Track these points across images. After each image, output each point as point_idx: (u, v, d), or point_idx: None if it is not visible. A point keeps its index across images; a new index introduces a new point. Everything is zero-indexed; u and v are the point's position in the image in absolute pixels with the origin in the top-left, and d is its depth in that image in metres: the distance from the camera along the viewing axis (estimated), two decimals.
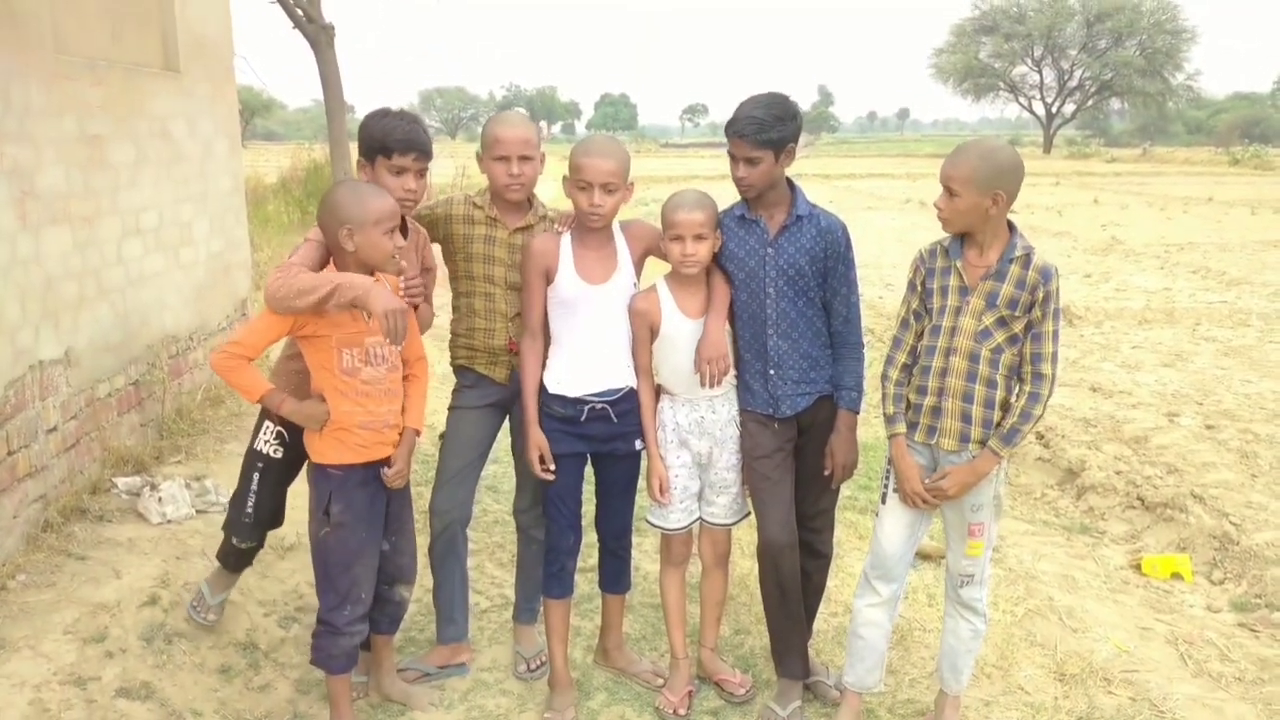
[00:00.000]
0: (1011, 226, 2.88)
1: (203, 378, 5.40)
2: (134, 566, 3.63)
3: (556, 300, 3.16)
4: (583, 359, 3.18)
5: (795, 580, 3.30)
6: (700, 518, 3.39)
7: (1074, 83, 62.75)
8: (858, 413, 3.22)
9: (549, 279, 3.15)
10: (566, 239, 3.18)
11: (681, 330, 3.18)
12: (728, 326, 3.21)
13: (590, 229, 3.13)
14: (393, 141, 3.02)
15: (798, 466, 3.31)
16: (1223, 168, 40.59)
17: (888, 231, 17.43)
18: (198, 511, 4.13)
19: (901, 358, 3.05)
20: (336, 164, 13.01)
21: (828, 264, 3.14)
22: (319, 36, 12.27)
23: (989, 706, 3.44)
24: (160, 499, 4.04)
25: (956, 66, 63.21)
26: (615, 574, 3.48)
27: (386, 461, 2.99)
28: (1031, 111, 65.21)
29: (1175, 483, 5.48)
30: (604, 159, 3.07)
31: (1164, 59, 59.02)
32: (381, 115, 3.10)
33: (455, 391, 3.51)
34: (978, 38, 63.50)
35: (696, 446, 3.29)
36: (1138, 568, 4.74)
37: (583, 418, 3.18)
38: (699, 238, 3.08)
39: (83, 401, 4.15)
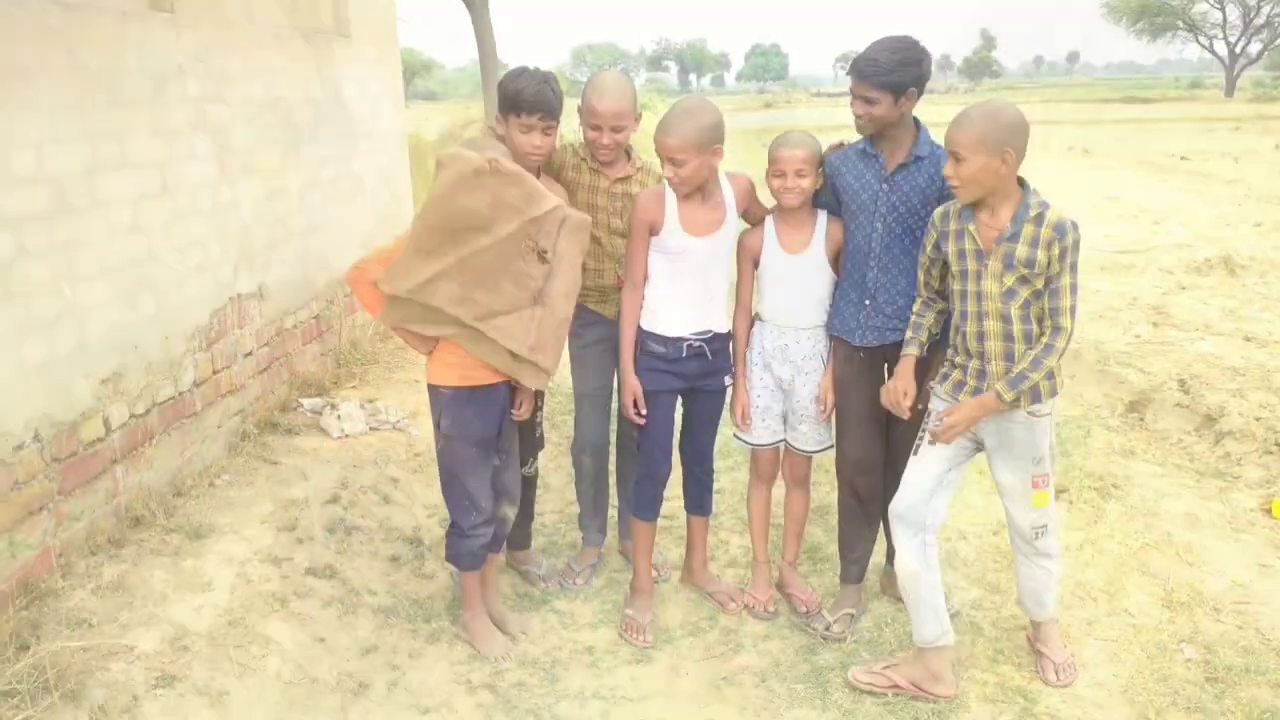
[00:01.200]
0: (1023, 184, 2.93)
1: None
2: (318, 472, 4.18)
3: (662, 251, 3.37)
4: (684, 302, 3.42)
5: (871, 496, 3.56)
6: (784, 440, 3.67)
7: (1260, 19, 57.97)
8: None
9: (654, 232, 3.36)
10: (670, 193, 3.34)
11: (780, 264, 3.47)
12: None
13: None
14: (522, 101, 3.25)
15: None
16: None
17: (1043, 183, 16.88)
18: (371, 429, 4.67)
19: (924, 292, 3.23)
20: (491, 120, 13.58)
21: (942, 203, 3.21)
22: None
23: (1091, 625, 3.60)
24: (339, 416, 4.59)
25: (1130, 5, 59.45)
26: (699, 497, 3.79)
27: (494, 387, 3.29)
28: (1213, 52, 60.76)
29: None
30: (613, 100, 3.44)
31: None
32: (516, 75, 3.33)
33: (571, 333, 3.73)
34: None
35: (779, 371, 3.55)
36: (1268, 511, 4.73)
37: (681, 355, 3.45)
38: (799, 174, 3.31)
39: (273, 331, 4.73)
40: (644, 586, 3.68)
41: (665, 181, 3.34)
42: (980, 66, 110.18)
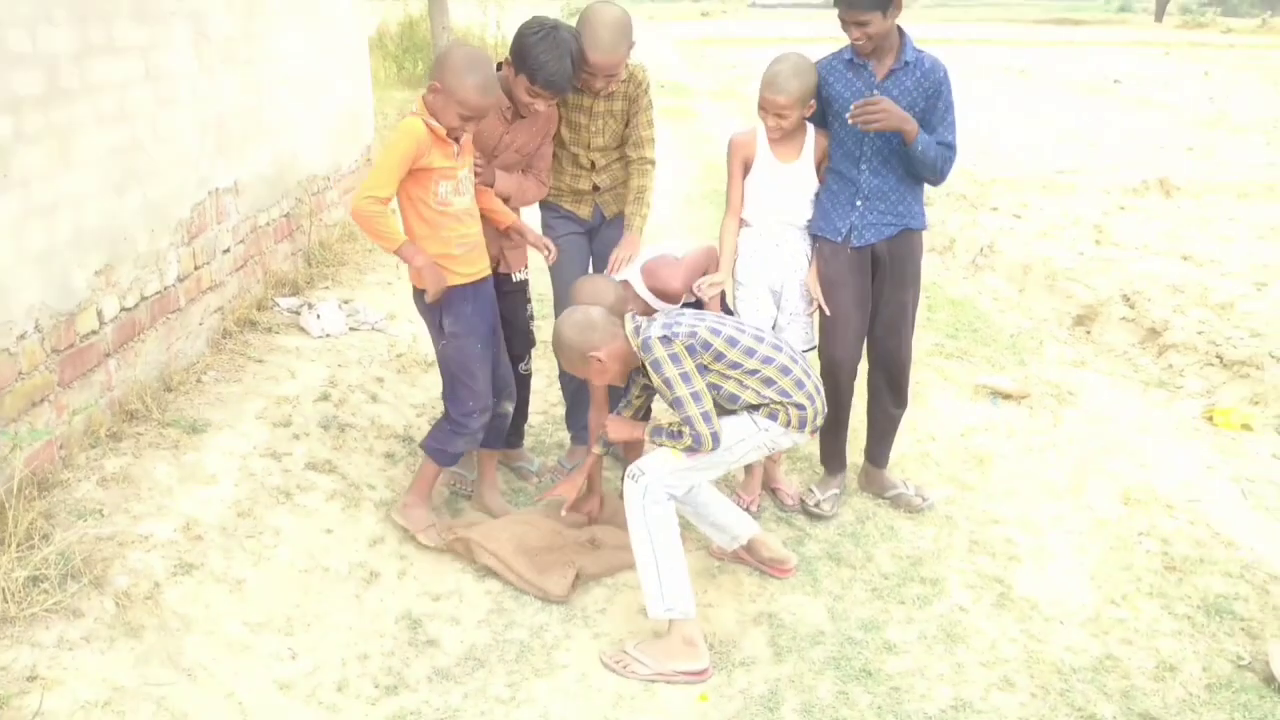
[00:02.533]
0: None
1: (338, 215, 5.89)
2: (305, 370, 4.18)
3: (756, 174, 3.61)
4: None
5: (847, 394, 3.79)
6: None
7: None
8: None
9: (746, 169, 3.59)
10: (760, 130, 3.57)
11: (772, 171, 3.58)
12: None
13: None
14: (539, 77, 3.23)
15: (875, 301, 3.66)
16: None
17: (981, 103, 17.05)
18: (350, 329, 4.65)
19: None
20: (435, 20, 13.21)
21: (929, 102, 3.42)
22: None
23: (1057, 520, 3.83)
24: (319, 316, 4.56)
25: None
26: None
27: (485, 280, 3.36)
28: None
29: (1255, 344, 5.67)
30: (608, 51, 3.42)
31: None
32: (540, 37, 3.23)
33: (544, 225, 3.88)
34: None
35: (770, 278, 3.67)
36: (1209, 419, 5.02)
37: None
38: (780, 115, 3.44)
39: (248, 228, 4.64)
40: None
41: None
42: None
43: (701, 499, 3.28)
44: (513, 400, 3.65)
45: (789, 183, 3.60)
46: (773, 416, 3.05)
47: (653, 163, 3.78)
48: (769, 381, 3.02)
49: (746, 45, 24.69)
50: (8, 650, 2.36)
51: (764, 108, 3.47)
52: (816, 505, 3.80)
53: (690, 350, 2.94)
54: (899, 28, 3.42)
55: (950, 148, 3.48)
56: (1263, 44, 36.44)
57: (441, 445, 3.44)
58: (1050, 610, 3.29)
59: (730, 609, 3.29)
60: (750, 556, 3.45)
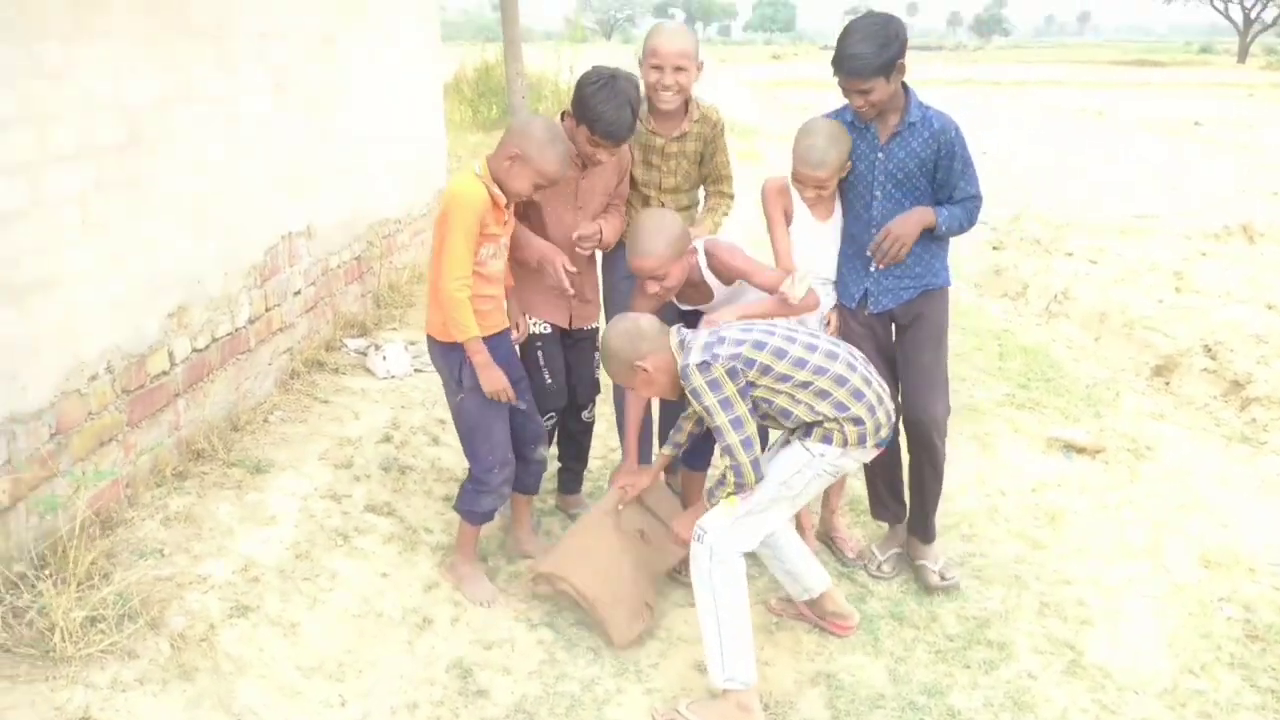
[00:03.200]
0: None
1: (408, 257, 5.99)
2: (369, 411, 4.23)
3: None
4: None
5: (891, 446, 3.53)
6: None
7: None
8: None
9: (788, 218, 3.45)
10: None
11: (809, 230, 3.46)
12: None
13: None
14: (599, 126, 3.21)
15: (901, 365, 3.50)
16: None
17: (1057, 146, 16.78)
18: (415, 370, 4.70)
19: None
20: (510, 64, 13.43)
21: (940, 163, 3.28)
22: None
23: (1132, 582, 3.68)
24: (385, 357, 4.63)
25: None
26: (698, 449, 3.59)
27: (505, 332, 3.35)
28: (1227, 16, 60.11)
29: None
30: (675, 39, 3.48)
31: None
32: (599, 87, 3.21)
33: (604, 265, 3.84)
34: None
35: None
36: None
37: None
38: (820, 187, 3.35)
39: (319, 271, 4.74)
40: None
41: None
42: (990, 24, 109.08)
43: (780, 542, 3.20)
44: (545, 447, 3.59)
45: (827, 242, 3.51)
46: (827, 439, 2.90)
47: (731, 197, 3.83)
48: (822, 394, 2.87)
49: (818, 88, 24.70)
50: (63, 690, 2.40)
51: (801, 181, 3.37)
52: (878, 568, 3.69)
53: (732, 373, 2.81)
54: (904, 85, 3.28)
55: (975, 198, 3.37)
56: None
57: (470, 506, 3.38)
58: (1124, 679, 3.15)
59: (788, 667, 3.21)
60: (812, 611, 3.36)
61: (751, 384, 2.87)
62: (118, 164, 3.14)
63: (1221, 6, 60.18)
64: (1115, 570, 3.75)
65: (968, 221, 3.37)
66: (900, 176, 3.31)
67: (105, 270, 3.11)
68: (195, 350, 3.64)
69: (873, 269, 3.42)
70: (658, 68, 3.46)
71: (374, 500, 3.66)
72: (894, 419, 3.05)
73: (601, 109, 3.19)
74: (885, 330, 3.54)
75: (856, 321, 3.51)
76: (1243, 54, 56.31)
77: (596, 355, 3.74)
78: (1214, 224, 9.97)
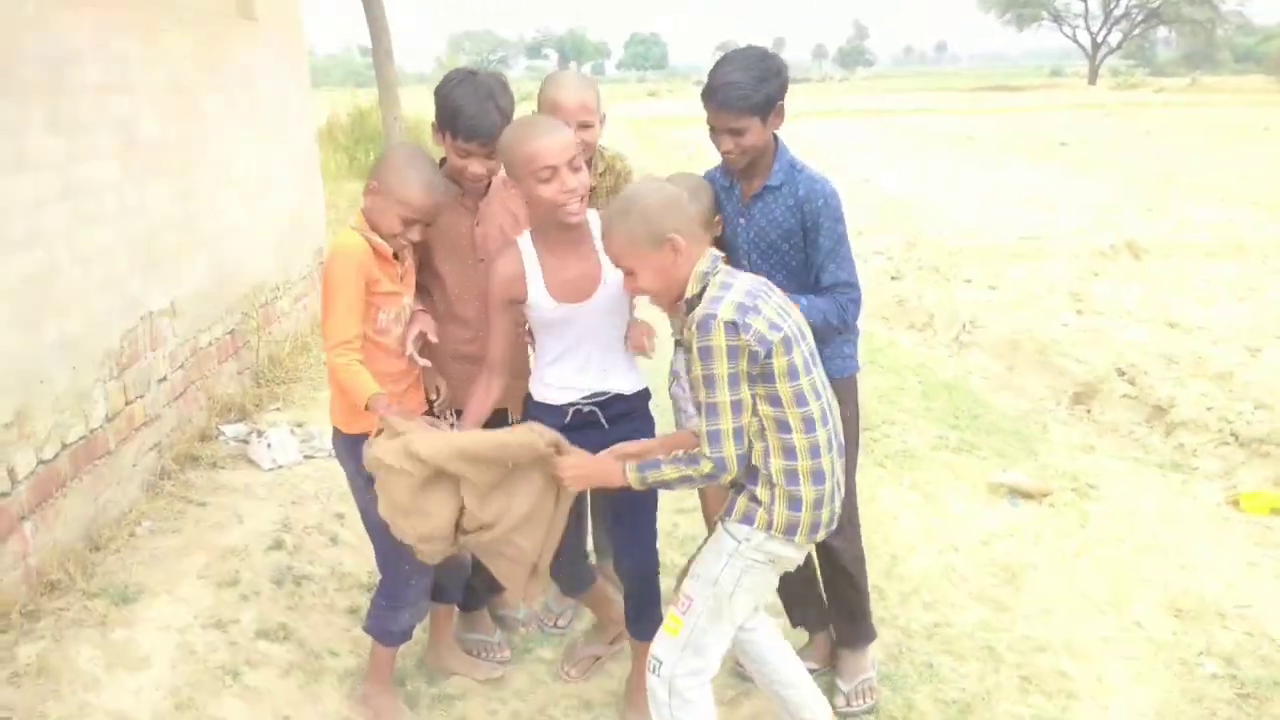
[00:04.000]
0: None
1: (290, 326, 5.46)
2: (254, 511, 3.71)
3: (534, 319, 2.73)
4: (569, 364, 2.74)
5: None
6: None
7: (1120, 10, 61.02)
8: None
9: (519, 301, 2.67)
10: (528, 245, 2.66)
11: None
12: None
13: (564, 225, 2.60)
14: (459, 124, 2.71)
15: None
16: (1276, 95, 39.38)
17: (936, 173, 17.10)
18: (305, 457, 4.19)
19: None
20: (386, 110, 12.93)
21: (806, 236, 2.79)
22: None
23: (1108, 642, 3.43)
24: (269, 445, 4.11)
25: None
26: (641, 614, 2.91)
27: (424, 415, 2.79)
28: (1076, 41, 63.58)
29: (1267, 418, 5.39)
30: (575, 90, 2.97)
31: None
32: (455, 83, 2.75)
33: None
34: None
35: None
36: (1236, 504, 4.69)
37: (566, 420, 2.70)
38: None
39: (188, 351, 4.20)
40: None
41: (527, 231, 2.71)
42: (853, 55, 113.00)
43: (765, 652, 2.66)
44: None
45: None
46: (747, 519, 2.37)
47: None
48: (788, 451, 2.34)
49: (694, 124, 24.82)
50: None
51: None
52: (848, 704, 3.07)
53: (752, 357, 2.27)
54: (776, 138, 2.81)
55: (846, 286, 2.80)
56: (1195, 101, 37.65)
57: (383, 625, 2.89)
58: None
59: None
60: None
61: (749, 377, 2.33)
62: None
63: (1070, 32, 63.56)
64: (1087, 629, 3.50)
65: (835, 317, 2.76)
66: (764, 245, 2.84)
67: None
68: (42, 462, 3.09)
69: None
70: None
71: (266, 623, 3.15)
72: (834, 524, 2.49)
73: (461, 102, 2.69)
74: None
75: None
76: (1093, 76, 59.47)
77: None
78: (1099, 242, 10.15)
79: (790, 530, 2.37)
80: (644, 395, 2.82)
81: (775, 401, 2.32)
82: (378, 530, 2.76)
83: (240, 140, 4.95)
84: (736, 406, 2.29)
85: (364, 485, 2.74)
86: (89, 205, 3.44)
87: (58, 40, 3.30)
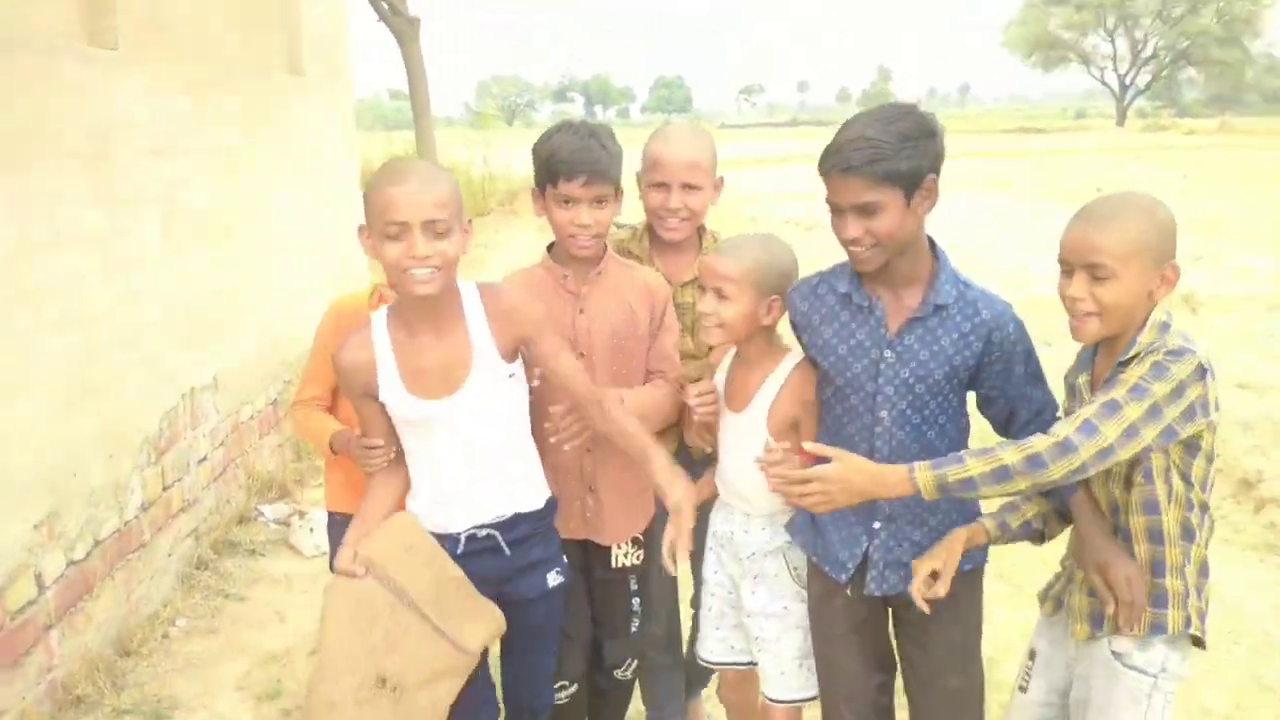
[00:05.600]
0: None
1: None
2: (296, 607, 3.44)
3: (395, 418, 2.14)
4: (450, 483, 2.16)
5: None
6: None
7: (1148, 52, 60.91)
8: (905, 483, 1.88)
9: (368, 392, 2.11)
10: (381, 325, 2.10)
11: (723, 418, 2.35)
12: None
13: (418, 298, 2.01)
14: (557, 163, 2.33)
15: (912, 685, 2.32)
16: None
17: (987, 221, 16.83)
18: None
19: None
20: (423, 156, 12.86)
21: (983, 369, 2.12)
22: (404, 30, 12.14)
23: None
24: (312, 529, 3.85)
25: (1026, 39, 61.83)
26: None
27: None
28: (1104, 83, 63.49)
29: None
30: (683, 146, 2.53)
31: (1242, 26, 57.03)
32: (552, 132, 2.43)
33: None
34: (1048, 9, 61.98)
35: (729, 567, 2.40)
36: None
37: (459, 550, 2.15)
38: (720, 293, 2.18)
39: (228, 427, 3.96)
40: None
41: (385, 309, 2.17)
42: (878, 98, 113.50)
43: None
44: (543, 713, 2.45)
45: (732, 442, 2.30)
46: (1158, 628, 1.90)
47: None
48: (1188, 531, 1.93)
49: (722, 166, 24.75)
50: None
51: (702, 282, 2.25)
52: None
53: (1189, 414, 1.81)
54: (931, 242, 2.13)
55: (1050, 406, 2.16)
56: (1227, 143, 37.28)
57: None
58: None
59: None
60: None
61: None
62: None
63: (1098, 74, 63.47)
64: None
65: (1037, 467, 1.87)
66: (920, 390, 2.10)
67: None
68: (71, 563, 2.83)
69: (877, 525, 2.15)
70: (660, 185, 2.53)
71: None
72: None
73: (558, 143, 2.34)
74: (877, 623, 2.28)
75: (833, 603, 2.24)
76: (1121, 117, 59.26)
77: (633, 603, 2.60)
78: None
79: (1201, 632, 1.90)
80: (551, 508, 2.26)
81: (1187, 479, 1.89)
82: None
83: (285, 200, 4.75)
84: (1134, 433, 1.77)
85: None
86: (131, 281, 3.22)
87: (108, 105, 3.09)
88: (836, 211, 2.02)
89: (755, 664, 2.39)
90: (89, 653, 2.88)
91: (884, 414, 2.10)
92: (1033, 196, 20.57)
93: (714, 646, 2.42)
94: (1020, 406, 2.14)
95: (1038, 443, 1.75)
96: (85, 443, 2.91)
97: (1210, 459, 1.90)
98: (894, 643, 2.33)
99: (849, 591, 2.18)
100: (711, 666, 2.48)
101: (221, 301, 3.94)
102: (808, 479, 1.91)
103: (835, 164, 1.97)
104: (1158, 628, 1.88)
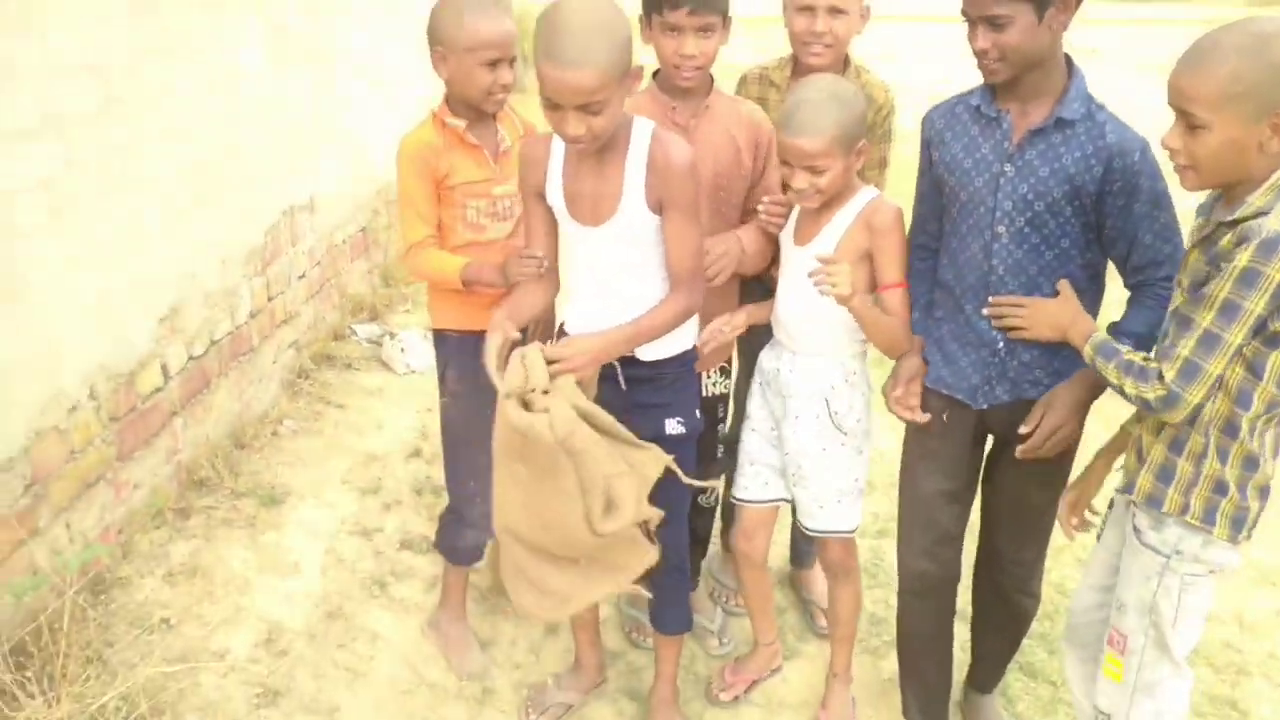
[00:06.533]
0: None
1: None
2: (392, 418, 3.66)
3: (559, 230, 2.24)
4: (583, 304, 2.24)
5: (940, 629, 2.50)
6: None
7: None
8: (1090, 350, 1.93)
9: (543, 194, 2.17)
10: (558, 143, 2.11)
11: (786, 253, 2.39)
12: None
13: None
14: None
15: (990, 493, 2.42)
16: None
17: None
18: None
19: None
20: None
21: (1104, 199, 2.05)
22: None
23: None
24: (403, 349, 4.05)
25: None
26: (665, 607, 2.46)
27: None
28: None
29: None
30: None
31: None
32: None
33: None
34: None
35: (772, 403, 2.47)
36: None
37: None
38: (812, 169, 2.17)
39: (324, 248, 4.12)
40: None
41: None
42: None
43: None
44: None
45: (791, 276, 2.35)
46: (1184, 510, 1.88)
47: None
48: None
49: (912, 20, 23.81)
50: None
51: (785, 159, 2.23)
52: None
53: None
54: (1068, 57, 2.08)
55: (1161, 264, 2.06)
56: None
57: (450, 541, 2.67)
58: None
59: None
60: None
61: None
62: (91, 136, 2.52)
63: None
64: (1259, 601, 3.28)
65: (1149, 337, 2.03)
66: (1040, 208, 2.08)
67: (82, 272, 2.51)
68: (192, 358, 3.05)
69: (1000, 348, 2.18)
70: (806, 9, 2.47)
71: (409, 533, 3.11)
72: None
73: None
74: (974, 438, 2.32)
75: (943, 416, 2.29)
76: None
77: (722, 428, 2.77)
78: None
79: (1234, 533, 1.87)
80: (681, 360, 2.26)
81: (1256, 370, 1.79)
82: (445, 438, 2.60)
83: (375, 28, 4.77)
84: (1232, 355, 1.76)
85: (440, 387, 2.57)
86: (240, 97, 3.33)
87: None
88: (969, 21, 2.03)
89: (787, 500, 2.51)
90: (209, 441, 3.12)
91: (1001, 229, 2.10)
92: (1123, 69, 19.56)
93: (748, 483, 2.51)
94: (1135, 251, 2.07)
95: (1148, 390, 1.78)
96: (200, 248, 3.08)
97: None
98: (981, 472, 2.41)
99: (953, 409, 2.24)
100: (743, 504, 2.53)
101: (317, 127, 4.04)
102: (1019, 304, 2.08)
103: None
104: (1154, 501, 1.90)
